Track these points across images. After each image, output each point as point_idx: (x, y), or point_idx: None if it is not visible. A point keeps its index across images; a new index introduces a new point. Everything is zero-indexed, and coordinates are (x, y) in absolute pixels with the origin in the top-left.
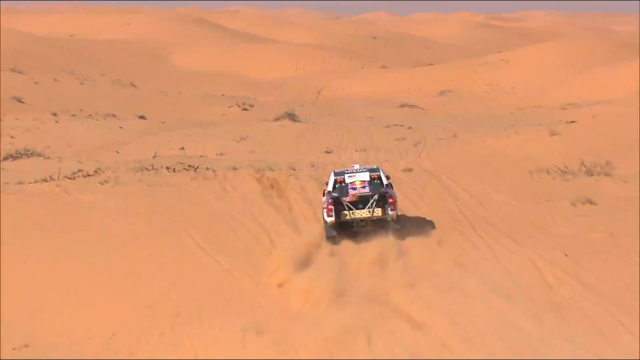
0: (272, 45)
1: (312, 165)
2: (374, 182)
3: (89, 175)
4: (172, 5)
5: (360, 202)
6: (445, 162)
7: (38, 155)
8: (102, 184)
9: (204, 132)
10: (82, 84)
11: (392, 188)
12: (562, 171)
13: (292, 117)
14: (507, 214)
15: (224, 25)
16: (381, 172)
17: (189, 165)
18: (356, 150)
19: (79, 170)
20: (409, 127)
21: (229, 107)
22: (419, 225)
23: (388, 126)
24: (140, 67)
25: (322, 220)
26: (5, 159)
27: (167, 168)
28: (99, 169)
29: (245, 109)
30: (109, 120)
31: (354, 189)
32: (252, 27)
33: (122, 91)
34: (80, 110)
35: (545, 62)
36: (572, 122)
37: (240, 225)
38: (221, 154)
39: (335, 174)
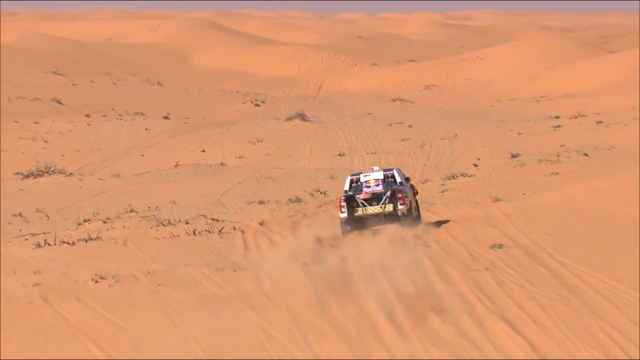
0: (278, 47)
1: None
2: (388, 180)
3: (91, 239)
4: (188, 8)
5: (374, 199)
6: (531, 222)
7: (59, 173)
8: (97, 281)
9: (222, 133)
10: (115, 84)
11: (412, 188)
12: None
13: (302, 117)
14: None
15: (236, 29)
16: (395, 172)
17: (212, 219)
18: (367, 153)
19: (85, 221)
20: (410, 126)
21: (243, 103)
22: None
23: (390, 124)
24: (165, 67)
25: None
26: (27, 177)
27: (186, 223)
28: (108, 219)
29: (257, 105)
30: (137, 120)
31: (368, 187)
32: (259, 30)
33: (150, 90)
34: (112, 109)
35: (516, 59)
36: (556, 117)
37: None
38: (240, 157)
39: (352, 175)
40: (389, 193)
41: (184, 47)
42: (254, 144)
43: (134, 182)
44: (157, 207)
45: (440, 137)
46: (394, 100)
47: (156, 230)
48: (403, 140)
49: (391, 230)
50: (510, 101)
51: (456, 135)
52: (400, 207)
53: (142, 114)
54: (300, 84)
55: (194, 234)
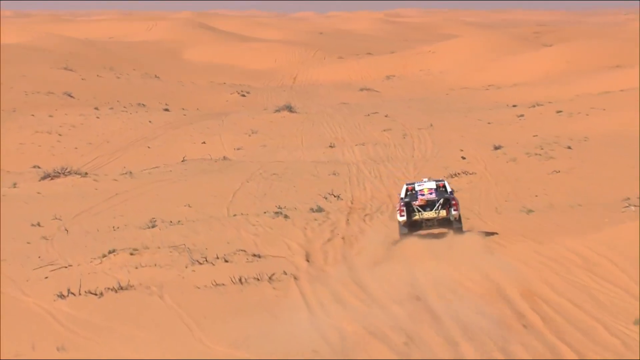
0: (255, 43)
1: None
2: (440, 189)
3: (121, 288)
4: (167, 8)
5: (428, 206)
6: None
7: (75, 174)
8: None
9: (219, 125)
10: (119, 78)
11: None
12: None
13: (289, 109)
14: None
15: (218, 28)
16: (446, 183)
17: (254, 255)
18: (356, 145)
19: (110, 252)
20: (386, 116)
21: (231, 94)
22: None
23: (368, 115)
24: (161, 62)
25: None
26: (44, 178)
27: (226, 260)
28: (135, 250)
29: (243, 95)
30: (140, 113)
31: (423, 195)
32: (236, 28)
33: (149, 82)
34: (117, 101)
35: (464, 53)
36: (514, 106)
37: None
38: (238, 149)
39: (407, 184)
40: (441, 200)
41: (176, 44)
42: (249, 135)
43: (146, 181)
44: (179, 221)
45: (417, 127)
46: (362, 90)
47: (193, 271)
48: (385, 130)
49: None
50: (463, 89)
51: (431, 125)
52: (453, 212)
53: (144, 105)
54: (277, 76)
55: (241, 283)
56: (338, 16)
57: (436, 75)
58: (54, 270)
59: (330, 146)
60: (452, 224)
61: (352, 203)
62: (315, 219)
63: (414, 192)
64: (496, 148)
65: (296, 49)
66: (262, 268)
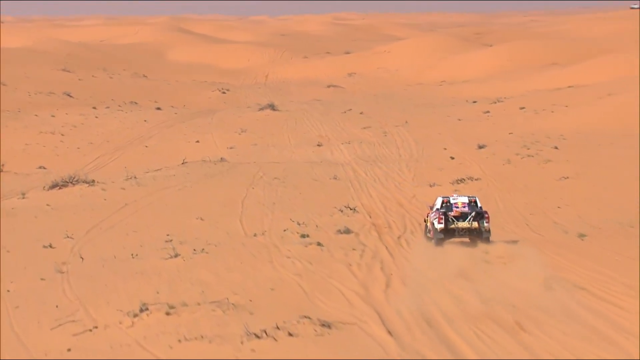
0: (229, 45)
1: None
2: (472, 204)
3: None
4: (144, 13)
5: (461, 217)
6: None
7: (83, 182)
8: None
9: (209, 123)
10: (111, 78)
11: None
12: None
13: (272, 107)
14: None
15: (194, 31)
16: (477, 199)
17: (322, 325)
18: (342, 143)
19: (142, 310)
20: (361, 113)
21: (212, 91)
22: None
23: (345, 112)
24: (148, 62)
25: (433, 230)
26: (52, 187)
27: (290, 334)
28: (171, 308)
29: (224, 92)
30: (135, 111)
31: (457, 207)
32: (209, 31)
33: (139, 81)
34: (112, 100)
35: (416, 52)
36: (474, 102)
37: None
38: (231, 148)
39: (442, 197)
40: (474, 213)
41: (160, 46)
42: (239, 134)
43: (153, 189)
44: (202, 249)
45: (394, 125)
46: (329, 86)
47: (253, 350)
48: (364, 128)
49: None
50: (418, 85)
51: (406, 122)
52: (486, 224)
53: (136, 103)
54: (251, 74)
55: None
56: (290, 19)
57: (393, 73)
58: (78, 335)
59: (318, 145)
60: (482, 234)
61: (370, 217)
62: (353, 248)
63: (449, 204)
64: (480, 147)
65: (265, 50)
66: (338, 347)
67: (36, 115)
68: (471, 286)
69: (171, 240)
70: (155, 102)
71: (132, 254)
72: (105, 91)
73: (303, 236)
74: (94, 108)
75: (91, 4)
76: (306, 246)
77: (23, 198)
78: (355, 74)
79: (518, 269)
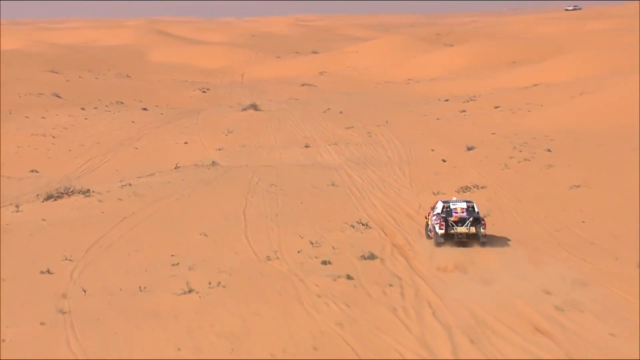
0: (206, 45)
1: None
2: (470, 209)
3: None
4: (122, 16)
5: (460, 222)
6: None
7: (78, 193)
8: None
9: (195, 124)
10: (97, 78)
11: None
12: None
13: (255, 107)
14: None
15: (171, 33)
16: (474, 204)
17: None
18: (329, 145)
19: None
20: (341, 112)
21: (194, 90)
22: None
23: (325, 112)
24: (131, 63)
25: (433, 232)
26: (47, 199)
27: None
28: None
29: (204, 92)
30: (122, 112)
31: (456, 212)
32: (185, 33)
33: (123, 82)
34: (99, 100)
35: (382, 51)
36: (446, 100)
37: None
38: (220, 149)
39: (443, 202)
40: (471, 219)
41: (141, 48)
42: (226, 135)
43: (150, 199)
44: (218, 282)
45: (375, 124)
46: (303, 85)
47: None
48: (348, 128)
49: None
50: (387, 83)
51: (387, 122)
52: (482, 230)
53: (122, 103)
54: (228, 73)
55: None
56: (256, 21)
57: (361, 71)
58: None
59: (306, 146)
60: (479, 238)
61: (385, 234)
62: (390, 284)
63: (448, 209)
64: (469, 149)
65: (239, 50)
66: None
67: (27, 117)
68: (547, 343)
69: (178, 264)
70: (140, 101)
71: (140, 287)
72: (92, 91)
73: (324, 263)
74: (83, 109)
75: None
76: (335, 280)
77: (17, 211)
78: (326, 72)
79: None
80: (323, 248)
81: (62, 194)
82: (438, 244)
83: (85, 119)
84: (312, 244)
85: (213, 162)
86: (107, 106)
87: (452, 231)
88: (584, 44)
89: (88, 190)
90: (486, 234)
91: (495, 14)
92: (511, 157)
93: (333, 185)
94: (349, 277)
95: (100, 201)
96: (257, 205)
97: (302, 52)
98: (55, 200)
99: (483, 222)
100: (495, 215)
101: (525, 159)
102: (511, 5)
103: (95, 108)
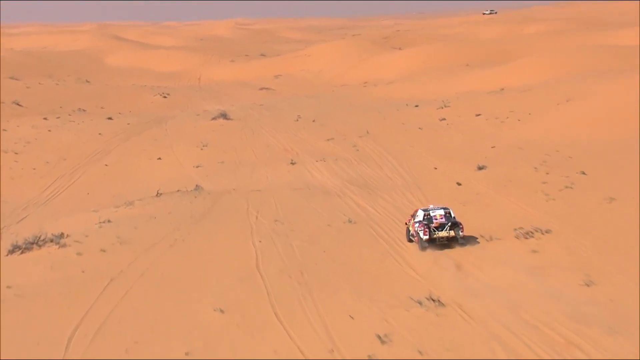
0: (161, 50)
1: None
2: (447, 215)
3: None
4: (76, 20)
5: (440, 227)
6: None
7: (50, 242)
8: None
9: (165, 135)
10: (57, 84)
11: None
12: None
13: (224, 116)
14: None
15: (125, 37)
16: (450, 210)
17: None
18: (317, 161)
19: None
20: (313, 121)
21: (154, 95)
22: None
23: (297, 120)
24: (89, 68)
25: (417, 238)
26: (12, 251)
27: None
28: None
29: (165, 97)
30: (86, 121)
31: (436, 219)
32: (137, 37)
33: (83, 87)
34: (60, 107)
35: (334, 55)
36: (416, 106)
37: None
38: (198, 166)
39: (423, 210)
40: (449, 224)
41: (98, 52)
42: (201, 149)
43: (138, 247)
44: None
45: (356, 135)
46: (261, 89)
47: None
48: (329, 140)
49: None
50: (344, 86)
51: (367, 132)
52: (461, 233)
53: (84, 110)
54: (184, 77)
55: None
56: (198, 24)
57: (316, 74)
58: None
59: (292, 163)
60: (458, 240)
61: (472, 319)
62: None
63: (429, 217)
64: (480, 168)
65: (194, 54)
66: None
67: None
68: None
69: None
70: (102, 108)
71: None
72: (53, 98)
73: None
74: (45, 119)
75: (14, 4)
76: None
77: None
78: (281, 75)
79: None
80: (399, 346)
81: (31, 244)
82: (423, 248)
83: (49, 130)
84: (380, 339)
85: (197, 186)
86: (69, 115)
87: (435, 236)
88: (532, 47)
89: (62, 235)
90: (464, 235)
91: (414, 17)
92: (544, 182)
93: (350, 222)
94: None
95: (78, 254)
96: (271, 255)
97: (252, 55)
98: (22, 253)
99: (461, 226)
100: (549, 253)
101: (566, 187)
102: (419, 7)
103: (58, 117)
